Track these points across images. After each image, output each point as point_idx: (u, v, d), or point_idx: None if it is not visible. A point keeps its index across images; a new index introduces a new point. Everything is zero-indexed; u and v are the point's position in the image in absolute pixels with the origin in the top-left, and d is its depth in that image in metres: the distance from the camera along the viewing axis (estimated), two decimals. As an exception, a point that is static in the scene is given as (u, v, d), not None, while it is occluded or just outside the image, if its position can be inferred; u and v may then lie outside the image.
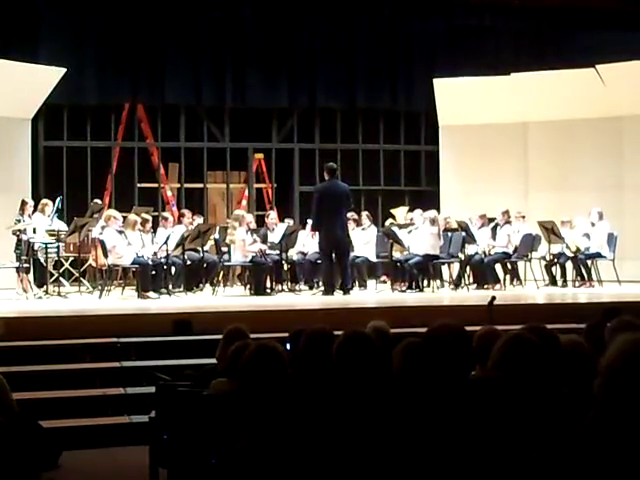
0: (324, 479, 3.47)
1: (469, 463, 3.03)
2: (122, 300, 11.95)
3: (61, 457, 6.69)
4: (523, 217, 14.10)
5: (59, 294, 12.17)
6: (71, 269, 13.62)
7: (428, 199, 16.15)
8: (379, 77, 16.37)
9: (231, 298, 12.42)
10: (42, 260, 12.57)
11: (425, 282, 13.29)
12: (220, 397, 4.69)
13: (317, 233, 12.94)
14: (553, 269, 13.93)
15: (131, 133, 15.94)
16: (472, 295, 12.65)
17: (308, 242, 13.74)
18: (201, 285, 13.20)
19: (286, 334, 5.75)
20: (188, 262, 12.91)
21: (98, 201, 14.31)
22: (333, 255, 12.40)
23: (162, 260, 12.40)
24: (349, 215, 13.04)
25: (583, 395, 3.15)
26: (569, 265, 13.80)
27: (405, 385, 3.36)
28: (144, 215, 12.98)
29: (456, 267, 13.77)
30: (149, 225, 12.81)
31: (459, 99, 15.62)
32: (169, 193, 16.25)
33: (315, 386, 4.21)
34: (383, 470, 3.16)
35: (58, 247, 12.62)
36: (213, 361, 5.82)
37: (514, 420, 3.16)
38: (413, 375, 3.37)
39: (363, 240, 13.66)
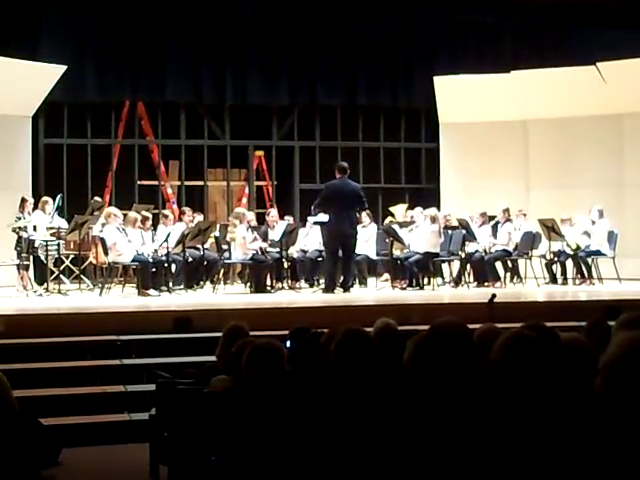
0: (323, 475, 3.47)
1: (468, 462, 3.03)
2: (122, 298, 11.95)
3: (61, 454, 6.70)
4: (524, 215, 14.09)
5: (59, 292, 12.18)
6: (71, 266, 13.62)
7: (428, 197, 16.15)
8: (379, 74, 16.36)
9: (231, 296, 12.42)
10: (42, 258, 12.57)
11: (425, 280, 13.29)
12: (220, 395, 4.69)
13: (318, 230, 12.98)
14: (553, 267, 13.93)
15: (131, 130, 15.92)
16: (472, 293, 12.66)
17: (308, 240, 13.74)
18: (201, 283, 13.21)
19: (286, 332, 5.76)
20: (189, 260, 12.91)
21: (98, 199, 14.30)
22: (339, 252, 12.41)
23: (162, 258, 12.40)
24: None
25: (584, 393, 3.14)
26: (569, 263, 13.79)
27: (412, 379, 3.37)
28: (144, 213, 12.99)
29: (456, 265, 13.77)
30: (149, 223, 12.82)
31: (459, 96, 15.61)
32: (169, 191, 16.24)
33: (314, 384, 4.21)
34: (380, 467, 3.16)
35: (58, 244, 12.63)
36: (213, 359, 5.82)
37: (515, 416, 3.16)
38: (419, 370, 3.37)
39: (363, 238, 13.65)
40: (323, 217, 12.71)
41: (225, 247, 13.03)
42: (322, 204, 12.60)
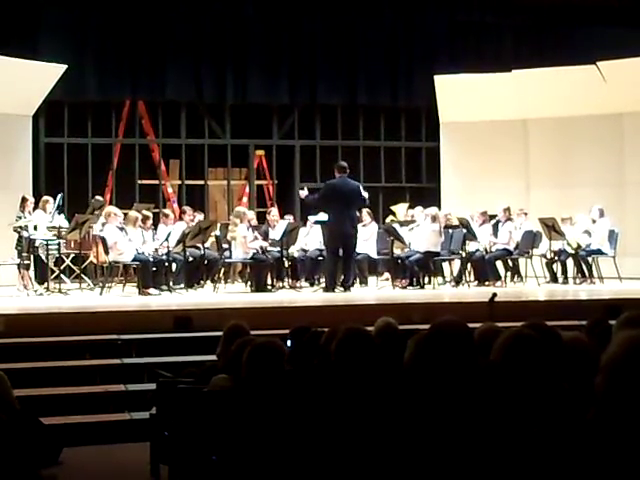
0: (324, 475, 3.47)
1: (465, 464, 3.03)
2: (123, 297, 11.94)
3: (62, 454, 6.70)
4: (525, 214, 14.09)
5: (60, 291, 12.18)
6: (72, 266, 13.63)
7: (429, 196, 16.15)
8: (380, 73, 16.35)
9: (232, 295, 12.42)
10: (43, 257, 12.57)
11: (426, 279, 13.28)
12: (220, 394, 4.69)
13: (319, 229, 12.99)
14: (554, 266, 13.93)
15: (132, 130, 15.92)
16: (473, 292, 12.65)
17: (309, 239, 13.74)
18: (202, 282, 13.21)
19: (287, 331, 5.76)
20: (189, 259, 12.91)
21: (99, 198, 14.30)
22: (340, 251, 12.41)
23: (163, 257, 12.40)
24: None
25: (585, 392, 3.14)
26: (570, 262, 13.79)
27: (413, 378, 3.36)
28: (145, 212, 12.99)
29: (457, 264, 13.77)
30: (150, 222, 12.82)
31: (460, 96, 15.61)
32: (170, 190, 16.25)
33: (314, 383, 4.21)
34: (381, 466, 3.16)
35: (59, 244, 12.63)
36: (214, 358, 5.82)
37: (516, 415, 3.16)
38: (420, 369, 3.37)
39: (364, 237, 13.64)
40: (324, 216, 12.72)
41: (226, 246, 13.03)
42: (321, 202, 12.62)
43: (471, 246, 13.60)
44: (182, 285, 12.68)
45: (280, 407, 3.99)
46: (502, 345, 3.52)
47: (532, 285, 13.47)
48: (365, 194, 12.76)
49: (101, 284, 12.28)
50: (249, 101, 16.03)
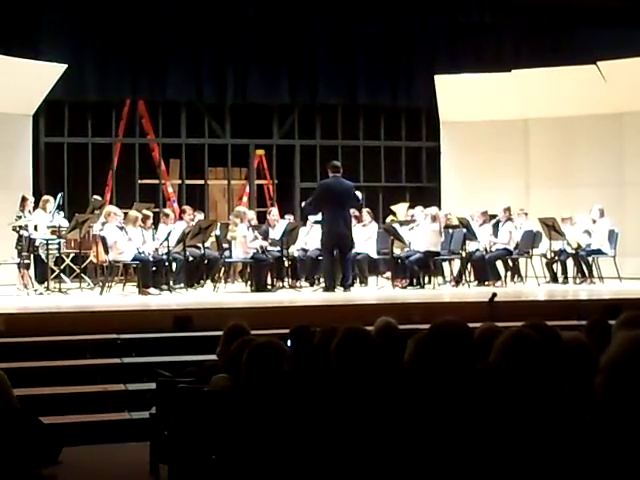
0: (324, 475, 3.48)
1: (465, 463, 3.02)
2: (123, 296, 11.95)
3: (62, 453, 6.70)
4: (526, 214, 14.09)
5: (60, 290, 12.18)
6: (72, 265, 13.63)
7: (429, 196, 16.15)
8: (380, 73, 16.35)
9: (232, 294, 12.42)
10: (43, 256, 12.57)
11: (426, 279, 13.28)
12: (220, 393, 4.69)
13: (319, 229, 12.99)
14: (554, 266, 13.93)
15: (132, 129, 15.92)
16: (473, 292, 12.65)
17: (309, 239, 13.75)
18: (202, 281, 13.21)
19: (287, 330, 5.76)
20: (189, 258, 12.91)
21: (99, 197, 14.31)
22: (335, 251, 12.43)
23: (163, 256, 12.40)
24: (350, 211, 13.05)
25: (585, 392, 3.14)
26: (570, 262, 13.79)
27: (413, 378, 3.36)
28: (145, 211, 12.99)
29: (457, 264, 13.77)
30: (150, 221, 12.83)
31: (460, 95, 15.61)
32: (170, 189, 16.24)
33: (315, 383, 4.21)
34: (380, 466, 3.16)
35: (59, 243, 12.64)
36: (214, 357, 5.82)
37: (515, 415, 3.16)
38: (420, 369, 3.37)
39: (364, 236, 13.66)
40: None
41: (226, 246, 13.03)
42: (315, 202, 12.62)
43: (471, 246, 13.60)
44: (182, 285, 12.69)
45: (280, 407, 3.99)
46: (502, 345, 3.52)
47: (532, 285, 13.46)
48: (358, 194, 12.79)
49: (101, 284, 12.28)
50: (249, 101, 16.02)
